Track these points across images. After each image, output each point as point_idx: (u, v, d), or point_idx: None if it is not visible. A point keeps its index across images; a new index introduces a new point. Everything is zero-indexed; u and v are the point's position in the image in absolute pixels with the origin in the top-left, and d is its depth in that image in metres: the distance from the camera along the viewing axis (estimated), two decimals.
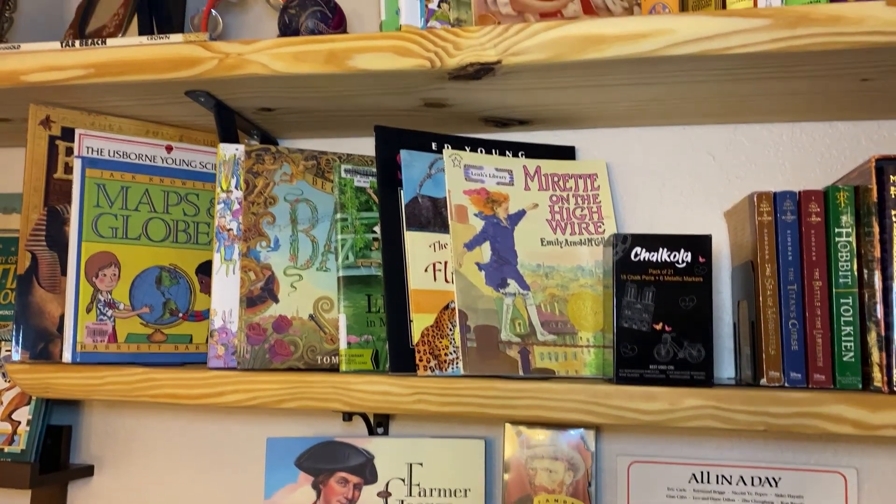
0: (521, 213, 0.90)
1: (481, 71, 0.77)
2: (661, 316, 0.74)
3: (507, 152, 0.94)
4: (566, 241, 0.90)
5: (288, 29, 0.83)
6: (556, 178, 0.93)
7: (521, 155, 0.95)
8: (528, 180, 0.92)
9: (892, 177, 0.71)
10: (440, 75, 0.79)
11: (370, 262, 0.89)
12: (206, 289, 0.98)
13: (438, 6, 0.83)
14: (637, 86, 0.81)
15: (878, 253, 0.71)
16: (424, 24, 0.83)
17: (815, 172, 0.92)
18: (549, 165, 0.93)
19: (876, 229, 0.71)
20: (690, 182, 0.95)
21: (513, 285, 0.86)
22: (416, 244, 0.84)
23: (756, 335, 0.77)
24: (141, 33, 0.95)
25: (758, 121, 0.93)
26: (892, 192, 0.71)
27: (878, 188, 0.71)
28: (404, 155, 0.87)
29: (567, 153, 0.97)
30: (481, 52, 0.75)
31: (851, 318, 0.74)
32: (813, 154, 0.93)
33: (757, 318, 0.76)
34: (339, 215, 0.88)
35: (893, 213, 0.71)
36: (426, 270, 0.84)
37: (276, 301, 0.87)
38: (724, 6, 0.77)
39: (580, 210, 0.92)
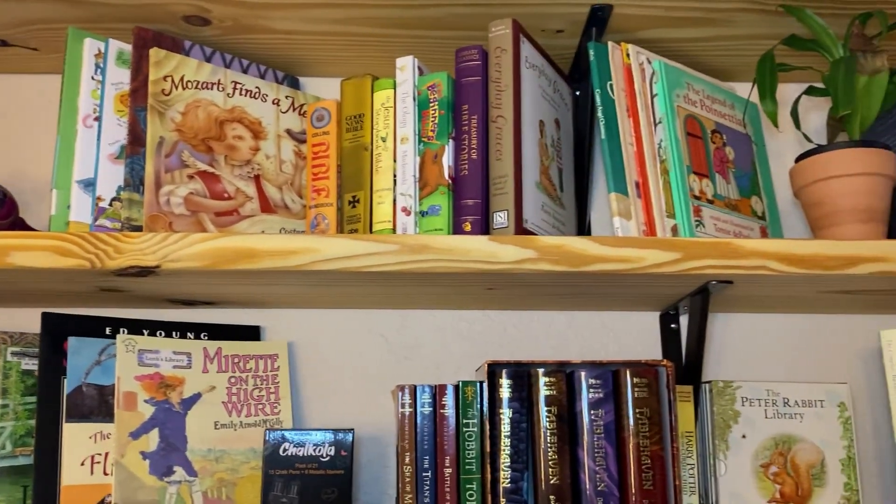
0: (196, 397, 0.93)
1: (143, 272, 0.81)
2: None
3: (189, 334, 0.98)
4: (241, 423, 0.94)
5: None
6: (236, 360, 0.98)
7: (204, 336, 0.98)
8: (207, 362, 0.96)
9: (501, 379, 0.83)
10: (104, 273, 0.82)
11: (30, 451, 0.86)
12: None
13: (110, 204, 0.87)
14: (299, 286, 0.89)
15: (488, 447, 0.82)
16: (94, 222, 0.86)
17: (473, 355, 1.05)
18: (231, 346, 0.98)
19: (487, 426, 0.82)
20: (364, 362, 1.04)
21: (179, 472, 0.88)
22: (75, 437, 0.84)
23: None
24: None
25: (424, 308, 1.05)
26: (501, 394, 0.83)
27: (490, 389, 0.83)
28: (72, 342, 0.88)
29: (252, 333, 1.03)
30: (141, 256, 0.79)
31: (475, 502, 0.84)
32: (470, 337, 1.05)
33: (399, 502, 0.84)
34: None
35: (500, 411, 0.83)
36: (83, 464, 0.83)
37: None
38: (370, 227, 0.88)
39: (258, 391, 0.97)
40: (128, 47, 0.94)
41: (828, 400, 0.95)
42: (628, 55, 0.96)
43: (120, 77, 0.93)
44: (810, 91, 0.95)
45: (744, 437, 0.93)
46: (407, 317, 1.06)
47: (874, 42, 0.88)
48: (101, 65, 0.92)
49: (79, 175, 0.88)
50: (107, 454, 0.85)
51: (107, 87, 0.91)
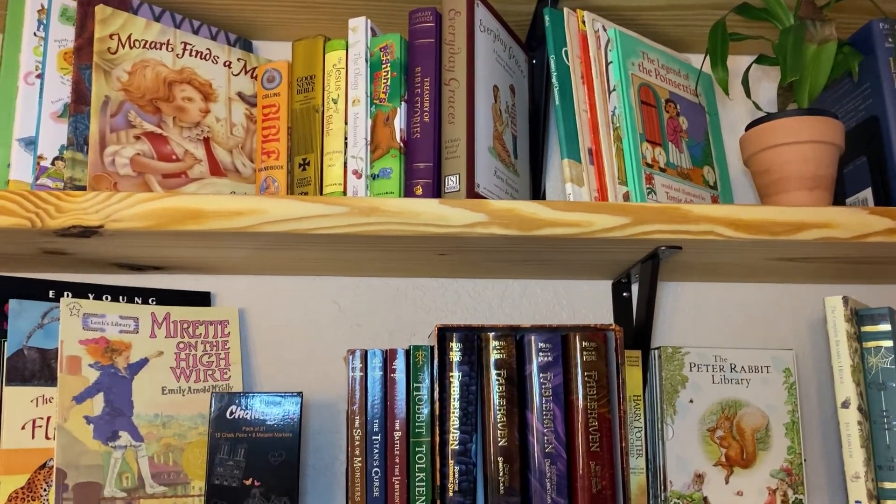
0: (143, 362, 0.92)
1: (86, 232, 0.79)
2: (251, 471, 0.79)
3: (137, 299, 0.96)
4: (189, 388, 0.93)
5: None
6: (185, 325, 0.96)
7: (152, 301, 0.97)
8: (154, 327, 0.94)
9: (451, 343, 0.83)
10: (45, 233, 0.80)
11: None
12: None
13: (53, 164, 0.85)
14: (248, 249, 0.88)
15: (437, 410, 0.82)
16: (35, 181, 0.84)
17: (426, 322, 1.05)
18: (180, 312, 0.96)
19: (436, 389, 0.82)
20: (317, 329, 1.04)
21: (125, 437, 0.87)
22: (15, 400, 0.82)
23: (348, 482, 0.84)
24: None
25: (378, 275, 1.05)
26: (451, 357, 0.83)
27: (440, 353, 0.83)
28: (13, 305, 0.86)
29: (202, 299, 1.01)
30: (84, 216, 0.78)
31: (424, 465, 0.84)
32: (423, 304, 1.05)
33: (348, 465, 0.84)
34: None
35: (451, 374, 0.83)
36: (24, 428, 0.82)
37: None
38: (321, 190, 0.87)
39: (207, 357, 0.96)
40: (72, 3, 0.91)
41: (773, 366, 0.97)
42: (584, 22, 0.96)
43: (64, 34, 0.90)
44: (760, 59, 0.96)
45: (691, 401, 0.95)
46: (360, 284, 1.05)
47: (823, 11, 0.89)
48: (44, 21, 0.90)
49: (20, 133, 0.85)
50: (49, 418, 0.83)
51: (50, 44, 0.89)
